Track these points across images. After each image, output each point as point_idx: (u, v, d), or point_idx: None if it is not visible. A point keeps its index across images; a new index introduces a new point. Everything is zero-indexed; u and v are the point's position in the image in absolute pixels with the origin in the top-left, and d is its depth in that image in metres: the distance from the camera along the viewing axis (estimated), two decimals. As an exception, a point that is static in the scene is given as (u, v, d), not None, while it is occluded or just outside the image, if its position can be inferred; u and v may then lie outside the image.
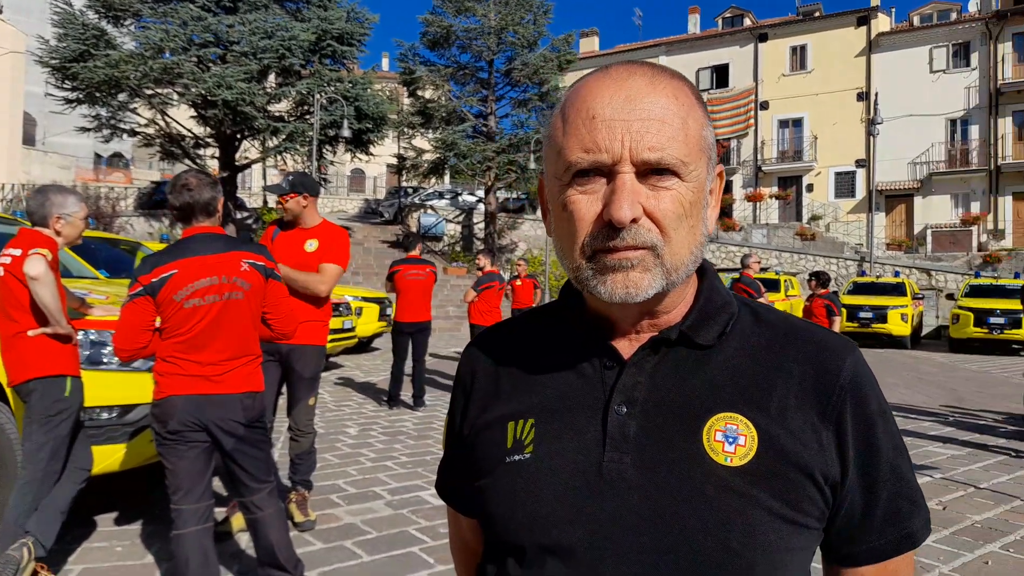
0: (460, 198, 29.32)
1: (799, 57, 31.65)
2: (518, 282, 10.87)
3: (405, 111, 24.41)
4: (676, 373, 0.78)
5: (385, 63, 45.45)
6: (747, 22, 34.39)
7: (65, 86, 19.21)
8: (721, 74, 33.31)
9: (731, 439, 0.73)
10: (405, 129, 23.99)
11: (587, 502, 0.74)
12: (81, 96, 19.41)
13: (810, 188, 31.04)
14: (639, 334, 0.80)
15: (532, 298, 10.95)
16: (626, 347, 0.80)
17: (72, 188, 4.04)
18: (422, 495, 4.66)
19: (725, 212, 31.12)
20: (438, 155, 23.49)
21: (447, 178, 26.69)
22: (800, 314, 11.05)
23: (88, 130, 20.98)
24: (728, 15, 35.33)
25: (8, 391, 3.37)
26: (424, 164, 24.22)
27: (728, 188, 31.71)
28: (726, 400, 0.75)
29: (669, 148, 0.70)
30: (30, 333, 3.12)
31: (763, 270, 19.49)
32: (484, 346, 0.93)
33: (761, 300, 7.95)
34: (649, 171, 0.71)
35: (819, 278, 8.41)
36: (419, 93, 24.04)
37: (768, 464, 0.72)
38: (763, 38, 32.44)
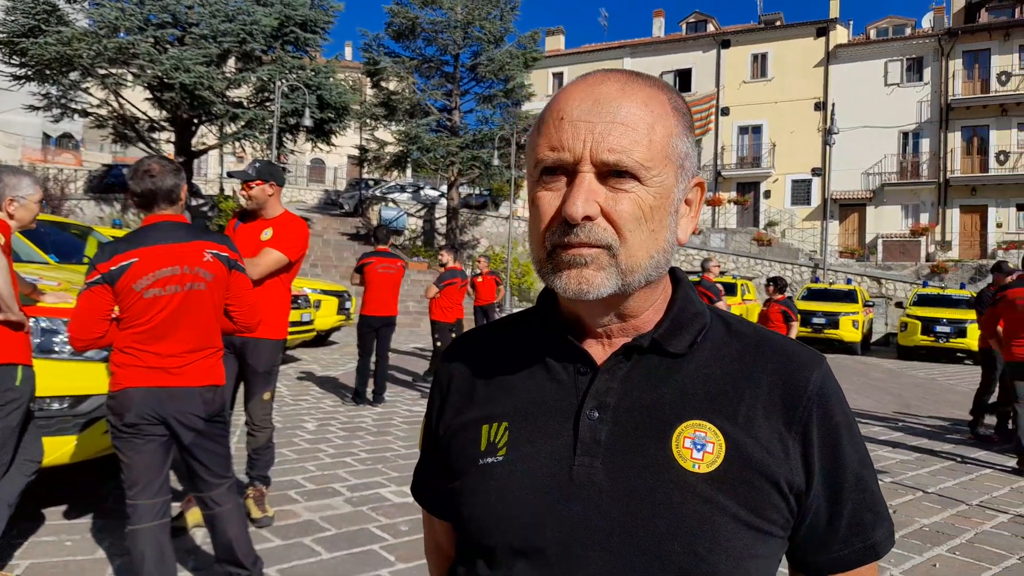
0: (422, 192, 29.07)
1: (760, 65, 32.20)
2: (479, 279, 10.87)
3: (368, 102, 24.13)
4: (648, 380, 0.79)
5: (348, 52, 44.86)
6: (710, 28, 34.84)
7: (13, 62, 18.52)
8: (684, 78, 33.67)
9: (699, 446, 0.75)
10: (368, 120, 23.74)
11: (558, 505, 0.75)
12: (30, 73, 18.76)
13: (767, 194, 31.64)
14: (611, 339, 0.81)
15: (494, 295, 10.97)
16: (599, 353, 0.81)
17: (23, 168, 3.91)
18: (382, 492, 4.64)
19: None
20: (401, 148, 23.32)
21: (409, 171, 26.48)
22: (755, 318, 11.27)
23: (37, 108, 20.30)
24: (692, 20, 35.72)
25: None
26: (386, 156, 24.02)
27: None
28: (695, 408, 0.77)
29: (630, 151, 0.72)
30: (-20, 320, 3.03)
31: (721, 274, 19.81)
32: (462, 349, 0.94)
33: (720, 304, 8.10)
34: (609, 173, 0.72)
35: (776, 283, 8.56)
36: (383, 84, 23.80)
37: (735, 472, 0.74)
38: (726, 44, 32.91)
